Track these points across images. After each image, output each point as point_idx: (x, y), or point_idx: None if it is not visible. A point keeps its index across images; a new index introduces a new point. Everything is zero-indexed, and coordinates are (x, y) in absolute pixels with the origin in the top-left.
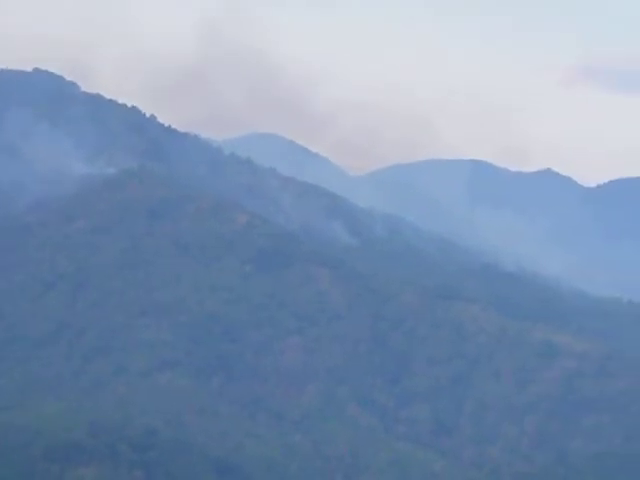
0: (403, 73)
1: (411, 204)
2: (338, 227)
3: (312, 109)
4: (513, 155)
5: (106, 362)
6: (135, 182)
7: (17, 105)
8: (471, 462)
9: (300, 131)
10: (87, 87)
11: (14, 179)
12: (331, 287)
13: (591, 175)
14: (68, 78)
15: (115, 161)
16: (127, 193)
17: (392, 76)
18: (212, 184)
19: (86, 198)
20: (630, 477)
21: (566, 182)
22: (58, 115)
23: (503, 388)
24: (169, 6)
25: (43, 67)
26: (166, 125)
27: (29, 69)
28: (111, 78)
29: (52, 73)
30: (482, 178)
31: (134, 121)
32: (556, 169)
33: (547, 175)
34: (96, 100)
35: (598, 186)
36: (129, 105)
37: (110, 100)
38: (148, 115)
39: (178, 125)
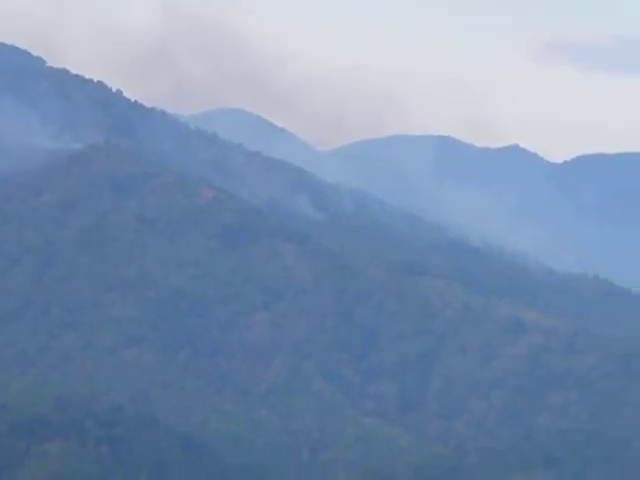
0: (370, 48)
1: (378, 179)
2: (304, 202)
3: (279, 84)
4: (480, 131)
5: (72, 338)
6: (101, 157)
7: None
8: (437, 437)
9: (267, 106)
10: (53, 62)
11: None
12: (297, 262)
13: (558, 151)
14: (34, 53)
15: (81, 136)
16: (93, 168)
17: (359, 51)
18: (178, 159)
19: (52, 173)
20: (596, 453)
21: (533, 158)
22: (24, 90)
23: (469, 364)
24: None
25: (9, 42)
26: (132, 100)
27: None
28: (77, 53)
29: (17, 48)
30: (449, 154)
31: (100, 96)
32: (523, 145)
33: (514, 151)
34: (62, 75)
35: (565, 162)
36: (95, 80)
37: (76, 75)
38: (114, 90)
39: (144, 100)
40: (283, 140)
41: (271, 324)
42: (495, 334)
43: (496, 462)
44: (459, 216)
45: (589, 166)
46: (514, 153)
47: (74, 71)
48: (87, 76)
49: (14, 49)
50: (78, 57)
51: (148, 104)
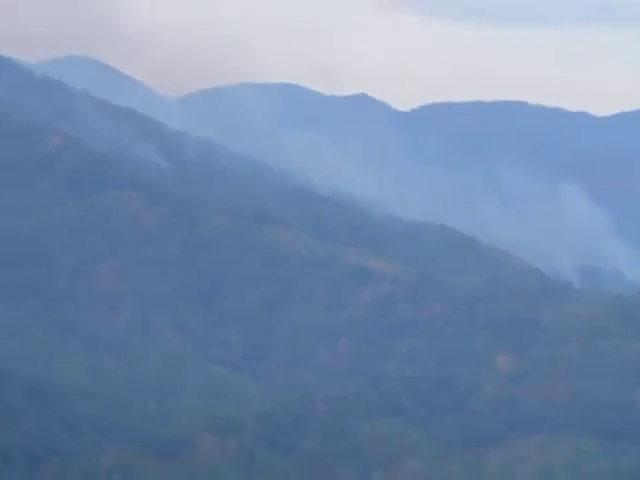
0: None
1: (224, 127)
2: (151, 150)
3: (125, 31)
4: (328, 79)
5: None
6: None
7: None
8: (284, 386)
9: (113, 54)
10: None
11: None
12: (144, 210)
13: (405, 100)
14: None
15: None
16: None
17: None
18: (24, 106)
19: None
20: (442, 399)
21: (380, 106)
22: None
23: (316, 312)
24: None
25: None
26: None
27: None
28: None
29: None
30: (296, 101)
31: None
32: (370, 93)
33: (361, 99)
34: None
35: (412, 110)
36: None
37: None
38: None
39: None
40: (130, 88)
41: (117, 273)
42: (342, 282)
43: (343, 410)
44: (305, 164)
45: (434, 114)
46: (361, 101)
47: None
48: None
49: None
50: None
51: None
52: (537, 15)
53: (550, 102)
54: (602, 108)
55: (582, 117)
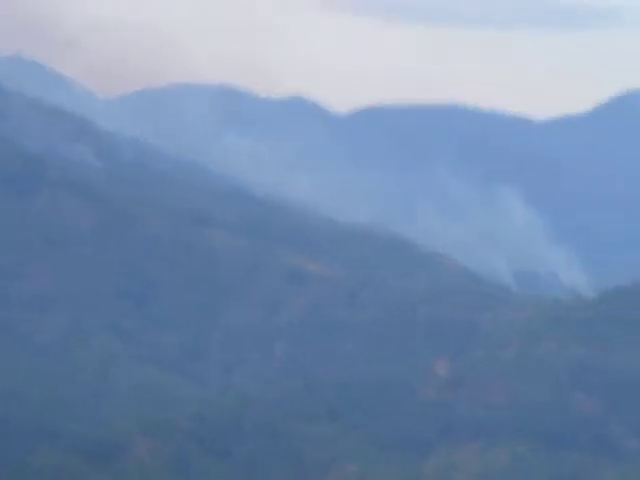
0: None
1: (159, 128)
2: (85, 151)
3: (59, 31)
4: (263, 81)
5: None
6: None
7: None
8: (218, 388)
9: (47, 53)
10: None
11: None
12: (78, 212)
13: (341, 102)
14: None
15: None
16: None
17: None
18: None
19: None
20: (379, 403)
21: (315, 109)
22: None
23: (251, 314)
24: None
25: None
26: None
27: None
28: None
29: None
30: (230, 103)
31: None
32: (305, 96)
33: (296, 101)
34: None
35: (348, 113)
36: None
37: None
38: None
39: None
40: (64, 88)
41: (51, 274)
42: (278, 285)
43: (279, 413)
44: (241, 166)
45: (370, 117)
46: (296, 103)
47: None
48: None
49: None
50: None
51: None
52: (487, 16)
53: (486, 105)
54: (539, 112)
55: (518, 121)
